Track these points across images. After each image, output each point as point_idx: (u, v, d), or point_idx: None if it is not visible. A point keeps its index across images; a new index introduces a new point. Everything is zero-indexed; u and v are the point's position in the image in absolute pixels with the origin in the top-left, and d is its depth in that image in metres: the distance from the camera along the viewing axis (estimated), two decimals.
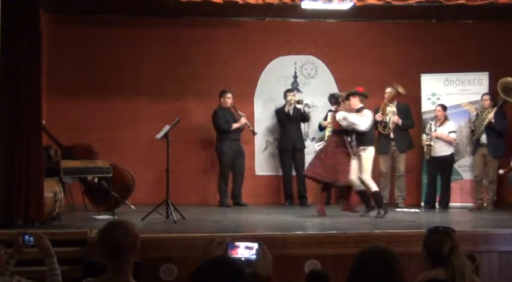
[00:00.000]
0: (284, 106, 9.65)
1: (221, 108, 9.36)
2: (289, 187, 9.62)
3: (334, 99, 8.28)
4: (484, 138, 9.07)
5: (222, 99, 9.36)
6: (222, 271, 2.32)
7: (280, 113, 9.71)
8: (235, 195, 9.39)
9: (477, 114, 9.26)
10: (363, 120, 7.87)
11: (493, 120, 8.96)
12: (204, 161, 9.87)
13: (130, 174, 8.38)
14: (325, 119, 9.37)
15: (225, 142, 9.28)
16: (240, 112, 9.36)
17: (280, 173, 9.88)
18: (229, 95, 9.37)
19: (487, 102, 9.15)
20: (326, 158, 7.90)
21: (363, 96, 8.11)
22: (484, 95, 9.27)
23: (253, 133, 9.55)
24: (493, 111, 9.02)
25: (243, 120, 9.32)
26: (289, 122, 9.57)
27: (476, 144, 9.21)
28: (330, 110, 9.04)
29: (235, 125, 9.29)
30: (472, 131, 9.20)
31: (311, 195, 9.52)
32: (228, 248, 2.95)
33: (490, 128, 9.00)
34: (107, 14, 9.58)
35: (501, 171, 8.67)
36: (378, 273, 2.72)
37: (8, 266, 3.73)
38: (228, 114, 9.36)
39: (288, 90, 9.74)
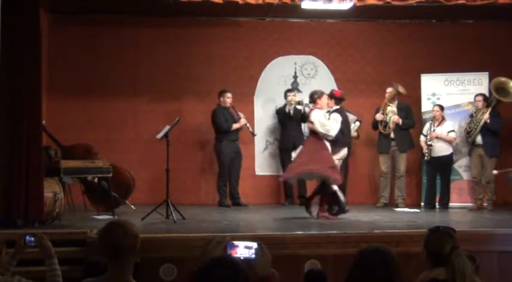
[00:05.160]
0: (285, 106, 9.65)
1: (221, 107, 9.31)
2: (289, 187, 9.60)
3: (310, 98, 8.05)
4: (479, 139, 9.05)
5: (221, 99, 9.31)
6: (223, 271, 2.32)
7: (280, 113, 9.70)
8: (232, 195, 9.38)
9: (471, 115, 9.25)
10: (334, 126, 7.71)
11: (488, 121, 8.96)
12: (203, 161, 9.86)
13: (130, 174, 8.38)
14: None
15: (223, 142, 9.24)
16: (239, 113, 9.33)
17: (280, 173, 9.87)
18: (228, 94, 9.32)
19: (480, 103, 9.13)
20: (300, 156, 7.65)
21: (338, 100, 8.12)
22: (477, 95, 9.24)
23: (253, 134, 9.52)
24: (488, 112, 9.02)
25: (243, 121, 9.31)
26: (290, 122, 9.55)
27: (471, 145, 9.19)
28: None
29: (235, 126, 9.26)
30: (468, 133, 9.18)
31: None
32: (228, 247, 2.95)
33: (485, 129, 8.99)
34: (107, 14, 9.58)
35: (495, 172, 8.70)
36: (375, 273, 2.72)
37: (8, 266, 3.74)
38: (228, 114, 9.32)
39: (289, 90, 9.72)
